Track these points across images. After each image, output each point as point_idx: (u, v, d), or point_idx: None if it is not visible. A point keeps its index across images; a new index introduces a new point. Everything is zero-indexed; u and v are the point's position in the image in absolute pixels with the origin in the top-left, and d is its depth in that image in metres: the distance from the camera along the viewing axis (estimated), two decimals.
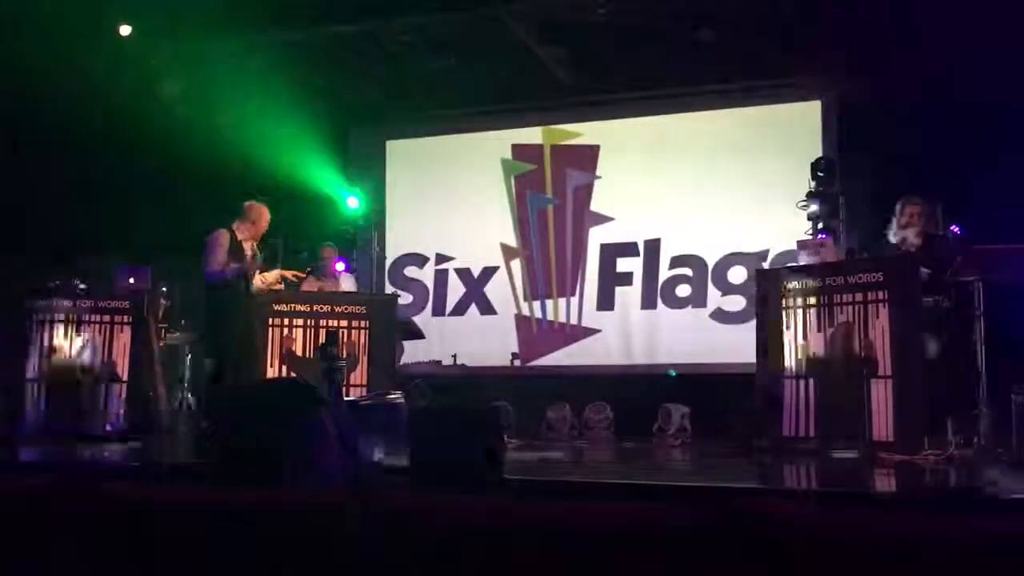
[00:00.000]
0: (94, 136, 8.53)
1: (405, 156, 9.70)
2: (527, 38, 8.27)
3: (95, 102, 8.35)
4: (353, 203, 9.06)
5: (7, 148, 8.13)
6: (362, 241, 9.08)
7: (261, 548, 2.67)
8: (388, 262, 9.30)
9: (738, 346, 7.22)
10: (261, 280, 6.61)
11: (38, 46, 7.78)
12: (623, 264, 9.00)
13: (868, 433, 5.65)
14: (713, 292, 8.57)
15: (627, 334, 8.80)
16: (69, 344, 7.14)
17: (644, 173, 8.94)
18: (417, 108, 9.44)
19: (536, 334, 9.02)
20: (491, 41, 8.36)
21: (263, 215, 6.40)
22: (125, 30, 8.59)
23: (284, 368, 7.12)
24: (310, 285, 7.66)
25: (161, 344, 7.26)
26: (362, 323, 7.23)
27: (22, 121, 8.16)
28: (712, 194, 8.63)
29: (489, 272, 9.24)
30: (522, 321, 9.09)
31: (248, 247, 6.33)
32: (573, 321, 9.03)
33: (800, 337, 6.15)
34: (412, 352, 8.50)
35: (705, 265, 8.61)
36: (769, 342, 6.36)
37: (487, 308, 9.17)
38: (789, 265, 6.56)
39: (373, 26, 8.36)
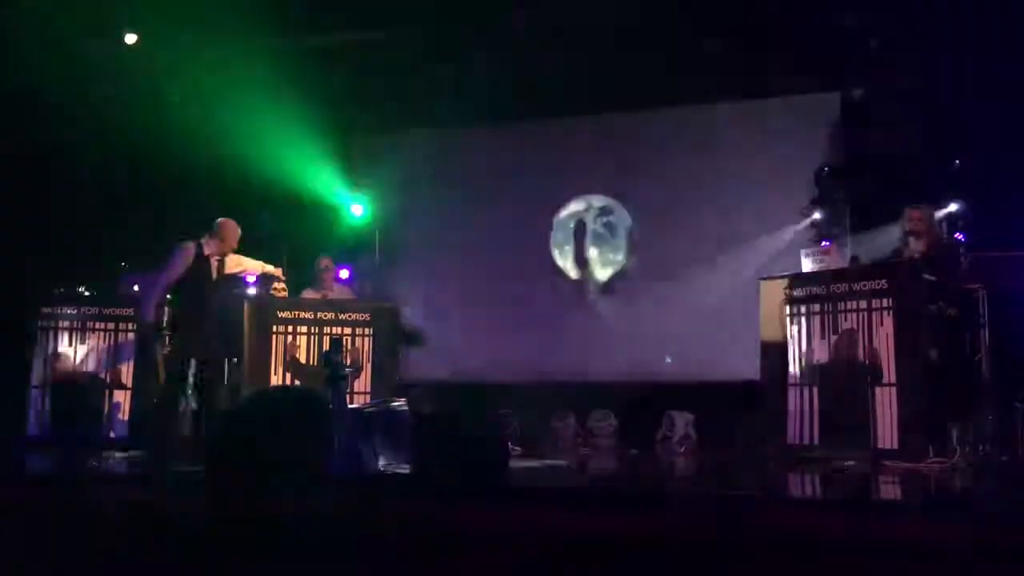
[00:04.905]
0: (96, 143, 8.55)
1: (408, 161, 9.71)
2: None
3: (97, 107, 8.38)
4: (357, 211, 9.09)
5: (11, 157, 8.14)
6: (365, 248, 9.08)
7: (263, 553, 2.68)
8: None
9: (743, 353, 7.20)
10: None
11: (41, 55, 7.82)
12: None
13: (872, 441, 5.64)
14: (715, 296, 8.54)
15: (631, 340, 8.78)
16: (73, 351, 7.16)
17: (646, 177, 8.95)
18: (419, 115, 9.43)
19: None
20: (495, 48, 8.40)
21: (233, 233, 6.51)
22: (131, 38, 8.62)
23: (288, 376, 7.13)
24: (310, 296, 7.65)
25: (165, 350, 7.27)
26: (366, 331, 7.25)
27: (25, 129, 8.18)
28: (715, 198, 8.61)
29: None
30: None
31: (214, 263, 6.43)
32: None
33: (804, 344, 6.14)
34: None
35: (708, 270, 8.59)
36: (773, 349, 6.36)
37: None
38: (793, 272, 6.54)
39: (377, 33, 8.40)
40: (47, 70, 7.93)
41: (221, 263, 6.51)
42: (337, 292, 7.82)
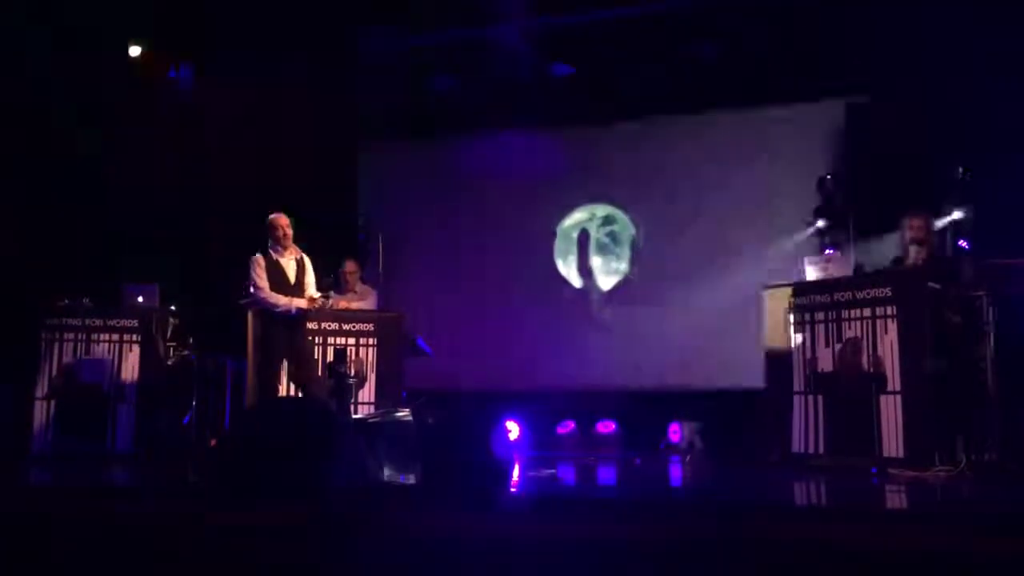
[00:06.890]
0: (100, 153, 8.57)
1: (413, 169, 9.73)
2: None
3: (104, 118, 8.40)
4: None
5: (16, 166, 8.16)
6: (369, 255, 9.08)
7: (264, 563, 2.68)
8: None
9: (747, 361, 7.20)
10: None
11: (50, 63, 7.86)
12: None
13: (878, 449, 5.62)
14: (719, 305, 8.53)
15: (634, 348, 8.77)
16: (78, 362, 7.15)
17: (649, 187, 8.95)
18: (426, 123, 9.45)
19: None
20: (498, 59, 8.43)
21: (272, 225, 6.39)
22: (134, 51, 8.66)
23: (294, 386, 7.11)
24: (334, 302, 7.63)
25: (169, 362, 7.27)
26: (370, 340, 7.25)
27: (30, 136, 8.20)
28: (719, 207, 8.61)
29: None
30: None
31: (286, 263, 6.39)
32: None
33: (809, 352, 6.13)
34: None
35: (712, 278, 8.58)
36: (777, 358, 6.35)
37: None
38: (797, 280, 6.54)
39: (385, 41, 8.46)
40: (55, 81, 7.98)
41: (301, 264, 6.44)
42: (360, 294, 7.82)
